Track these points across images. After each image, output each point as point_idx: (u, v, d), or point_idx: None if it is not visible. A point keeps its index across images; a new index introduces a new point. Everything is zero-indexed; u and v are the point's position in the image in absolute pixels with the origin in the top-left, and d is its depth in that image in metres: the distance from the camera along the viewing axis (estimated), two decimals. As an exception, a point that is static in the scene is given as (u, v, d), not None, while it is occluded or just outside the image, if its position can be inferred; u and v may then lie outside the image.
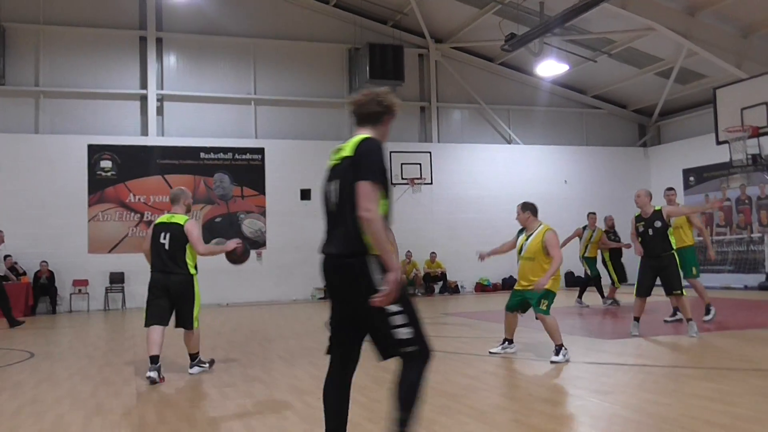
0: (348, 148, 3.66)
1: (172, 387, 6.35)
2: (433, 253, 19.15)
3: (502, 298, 14.38)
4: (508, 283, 20.05)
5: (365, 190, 3.42)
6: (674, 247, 8.68)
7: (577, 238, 13.94)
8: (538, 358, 7.45)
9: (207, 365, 7.20)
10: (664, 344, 8.15)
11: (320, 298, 18.16)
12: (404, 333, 3.51)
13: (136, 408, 5.47)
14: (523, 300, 7.43)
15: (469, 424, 4.64)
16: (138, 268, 16.69)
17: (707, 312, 10.00)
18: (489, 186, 20.42)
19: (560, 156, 21.33)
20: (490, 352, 7.68)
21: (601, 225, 14.06)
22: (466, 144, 20.56)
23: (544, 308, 7.21)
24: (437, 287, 19.32)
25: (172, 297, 6.81)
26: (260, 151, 18.55)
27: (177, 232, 6.82)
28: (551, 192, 20.90)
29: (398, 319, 3.49)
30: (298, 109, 19.38)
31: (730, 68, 16.31)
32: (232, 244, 6.95)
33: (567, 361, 6.98)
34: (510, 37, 16.75)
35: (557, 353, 7.04)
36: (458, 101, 20.88)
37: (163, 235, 6.87)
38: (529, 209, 7.62)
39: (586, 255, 13.76)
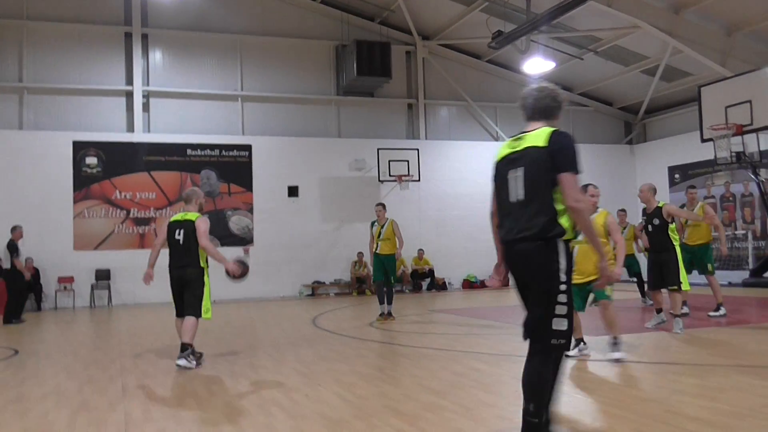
0: (536, 139, 3.75)
1: (158, 384, 6.34)
2: (421, 249, 19.19)
3: (489, 295, 14.52)
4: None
5: (571, 181, 3.60)
6: (677, 244, 8.73)
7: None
8: (524, 356, 7.48)
9: (194, 363, 7.18)
10: (649, 340, 8.22)
11: (307, 295, 18.16)
12: (561, 324, 3.63)
13: (121, 405, 5.45)
14: (586, 295, 7.16)
15: (455, 421, 4.66)
16: (124, 265, 16.66)
17: (717, 309, 10.10)
18: (476, 183, 20.43)
19: (547, 153, 21.39)
20: (566, 356, 7.58)
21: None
22: (454, 141, 20.61)
23: (610, 293, 7.04)
24: (425, 284, 19.36)
25: (184, 288, 7.31)
26: (247, 147, 18.50)
27: (190, 228, 7.28)
28: (538, 189, 21.00)
29: (561, 310, 3.61)
30: (285, 105, 19.33)
31: (714, 66, 16.43)
32: (232, 266, 7.29)
33: (585, 355, 7.08)
34: (497, 35, 16.77)
35: (615, 345, 6.86)
36: (445, 98, 20.92)
37: (177, 231, 7.34)
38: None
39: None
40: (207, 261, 7.37)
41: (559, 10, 14.76)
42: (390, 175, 18.88)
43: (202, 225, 7.27)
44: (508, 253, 3.80)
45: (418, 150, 19.28)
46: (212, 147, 18.19)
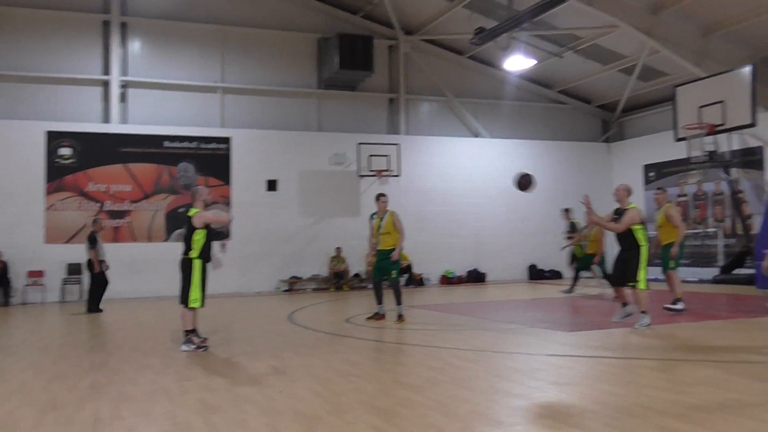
0: None
1: (129, 381, 6.29)
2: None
3: (467, 291, 14.59)
4: (472, 276, 20.25)
5: None
6: (643, 244, 8.85)
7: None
8: (499, 351, 7.55)
9: (195, 347, 7.82)
10: (622, 336, 8.32)
11: (285, 291, 18.11)
12: None
13: (90, 403, 5.39)
14: None
15: (429, 416, 4.70)
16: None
17: (673, 303, 10.31)
18: (456, 179, 20.56)
19: (526, 150, 21.54)
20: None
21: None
22: (434, 136, 20.65)
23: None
24: (403, 279, 19.37)
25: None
26: (226, 140, 18.38)
27: (187, 222, 8.03)
28: (516, 185, 21.12)
29: None
30: (266, 98, 19.23)
31: (690, 67, 16.63)
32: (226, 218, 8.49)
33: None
34: (479, 31, 16.83)
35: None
36: (427, 93, 20.94)
37: (183, 225, 8.20)
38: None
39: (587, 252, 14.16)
40: (200, 253, 7.88)
41: (541, 8, 14.84)
42: (370, 170, 18.87)
43: (198, 220, 7.95)
44: None
45: (398, 145, 19.29)
46: (190, 139, 18.05)
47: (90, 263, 13.35)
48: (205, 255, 7.97)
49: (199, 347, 7.85)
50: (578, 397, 5.21)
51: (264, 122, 19.02)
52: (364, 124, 20.10)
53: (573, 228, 15.16)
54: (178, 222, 17.40)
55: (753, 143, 16.66)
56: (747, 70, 12.57)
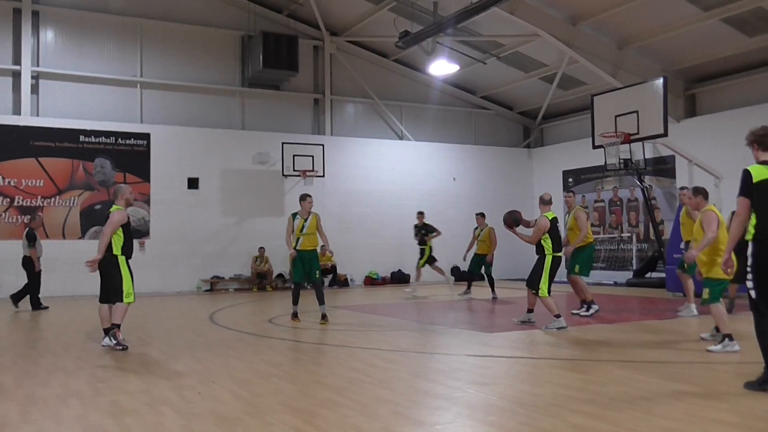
0: None
1: (39, 383, 6.01)
2: (323, 246, 19.08)
3: (391, 292, 14.67)
4: (396, 277, 20.38)
5: None
6: (548, 252, 9.17)
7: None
8: (421, 352, 7.62)
9: (115, 342, 7.74)
10: (541, 337, 8.55)
11: (206, 291, 17.73)
12: None
13: (-1, 405, 5.13)
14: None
15: (351, 417, 4.68)
16: (8, 256, 15.69)
17: (580, 307, 10.68)
18: (380, 180, 20.64)
19: (450, 153, 21.86)
20: (701, 337, 7.91)
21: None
22: (359, 138, 20.68)
23: (706, 297, 7.26)
24: (327, 280, 19.29)
25: (102, 276, 7.95)
26: (146, 136, 17.84)
27: (107, 219, 7.91)
28: (440, 188, 21.42)
29: None
30: (188, 94, 18.79)
31: (606, 77, 17.28)
32: (93, 264, 7.87)
33: (731, 351, 6.93)
34: (404, 35, 16.96)
35: (720, 341, 7.09)
36: (352, 95, 20.95)
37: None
38: (701, 193, 7.98)
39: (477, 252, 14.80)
40: (122, 249, 7.86)
41: (465, 14, 15.08)
42: (294, 170, 18.72)
43: (116, 216, 7.83)
44: None
45: (323, 146, 19.21)
46: (107, 134, 17.43)
47: (28, 260, 13.06)
48: (127, 251, 7.95)
49: (121, 345, 7.79)
50: (497, 396, 5.31)
51: (185, 119, 18.58)
52: (288, 124, 19.93)
53: (426, 230, 15.49)
54: (93, 219, 16.78)
55: (665, 152, 17.43)
56: (659, 82, 13.11)
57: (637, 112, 13.16)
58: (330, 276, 19.20)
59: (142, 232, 17.56)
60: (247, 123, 19.46)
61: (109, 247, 7.82)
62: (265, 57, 18.21)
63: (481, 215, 15.19)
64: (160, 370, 6.59)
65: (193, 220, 18.04)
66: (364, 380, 5.93)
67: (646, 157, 15.48)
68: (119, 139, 17.52)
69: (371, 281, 20.00)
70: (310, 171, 18.84)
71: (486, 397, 5.31)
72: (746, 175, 5.26)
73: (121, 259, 7.88)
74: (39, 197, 16.64)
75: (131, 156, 17.62)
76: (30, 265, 13.09)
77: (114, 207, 8.03)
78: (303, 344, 8.40)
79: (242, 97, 19.48)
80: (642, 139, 13.39)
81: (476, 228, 15.13)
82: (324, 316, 10.21)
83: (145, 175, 17.75)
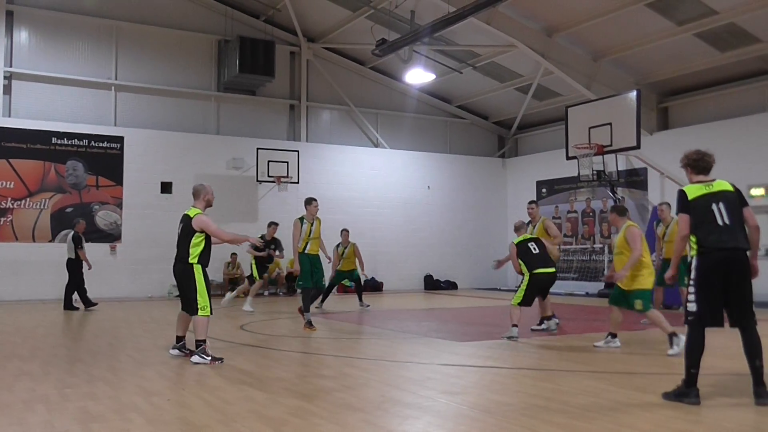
0: (725, 185, 5.46)
1: (3, 387, 5.89)
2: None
3: (364, 300, 14.59)
4: (369, 285, 20.34)
5: (751, 211, 5.47)
6: (525, 272, 9.43)
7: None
8: (393, 361, 7.62)
9: (209, 359, 7.08)
10: (512, 347, 8.58)
11: (177, 296, 17.52)
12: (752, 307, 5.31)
13: (-39, 412, 5.01)
14: (621, 295, 8.02)
15: (320, 425, 4.66)
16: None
17: (539, 323, 10.56)
18: (355, 188, 20.63)
19: (424, 162, 21.93)
20: (594, 345, 8.23)
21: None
22: (334, 145, 20.66)
23: (639, 308, 7.85)
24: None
25: (178, 284, 7.43)
26: (119, 139, 17.64)
27: (186, 223, 7.26)
28: (414, 196, 21.47)
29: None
30: (162, 98, 18.64)
31: (581, 89, 17.50)
32: (251, 240, 7.90)
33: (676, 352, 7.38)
34: (381, 43, 17.01)
35: (671, 345, 7.61)
36: (328, 102, 20.94)
37: (179, 226, 7.39)
38: (615, 211, 8.38)
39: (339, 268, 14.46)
40: (200, 258, 7.22)
41: (441, 23, 15.18)
42: (269, 176, 18.65)
43: (207, 222, 7.22)
44: (729, 257, 5.25)
45: (298, 152, 19.16)
46: (80, 137, 17.21)
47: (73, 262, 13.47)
48: (204, 260, 7.27)
49: (214, 359, 7.11)
50: (467, 406, 5.32)
51: (160, 122, 18.42)
52: (263, 129, 19.85)
53: (267, 244, 13.80)
54: (64, 222, 16.54)
55: (637, 164, 17.68)
56: (632, 95, 13.32)
57: (610, 124, 13.35)
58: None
59: (114, 236, 17.35)
60: (222, 128, 19.35)
61: (186, 253, 7.15)
62: (241, 62, 18.14)
63: (346, 231, 14.79)
64: (129, 376, 6.49)
65: (165, 224, 17.75)
66: (334, 388, 5.91)
67: (619, 169, 15.70)
68: (92, 142, 17.30)
69: (344, 288, 19.92)
70: (284, 177, 18.78)
71: (457, 406, 5.31)
72: (681, 193, 5.51)
73: (197, 268, 7.18)
74: (9, 199, 16.37)
75: (104, 159, 17.42)
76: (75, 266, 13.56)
77: (193, 210, 7.31)
78: (274, 351, 8.34)
79: (218, 102, 19.37)
80: (615, 151, 13.59)
81: (339, 245, 14.61)
82: (310, 323, 10.05)
83: (117, 178, 17.55)
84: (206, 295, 7.22)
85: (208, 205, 7.52)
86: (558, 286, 14.04)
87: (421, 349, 8.54)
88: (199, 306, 7.14)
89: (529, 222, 10.61)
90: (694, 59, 16.51)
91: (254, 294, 13.62)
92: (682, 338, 7.06)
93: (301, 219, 10.41)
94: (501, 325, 10.40)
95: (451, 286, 21.62)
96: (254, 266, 13.78)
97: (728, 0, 14.17)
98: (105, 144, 17.46)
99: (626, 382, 6.21)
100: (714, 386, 5.75)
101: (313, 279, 10.25)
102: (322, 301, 14.14)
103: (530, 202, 10.86)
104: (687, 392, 5.25)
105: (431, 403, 5.43)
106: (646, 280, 7.82)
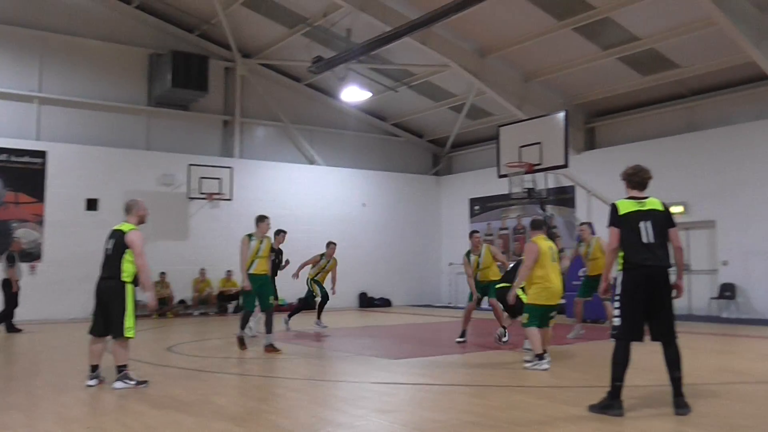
0: (656, 204, 5.62)
1: None
2: (230, 270, 18.70)
3: (298, 318, 14.39)
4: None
5: (677, 232, 5.67)
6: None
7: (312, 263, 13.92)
8: (325, 380, 7.52)
9: (134, 383, 6.80)
10: (444, 364, 8.61)
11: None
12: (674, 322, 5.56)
13: None
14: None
15: (248, 449, 4.53)
16: None
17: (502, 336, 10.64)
18: (290, 205, 20.42)
19: (360, 179, 21.95)
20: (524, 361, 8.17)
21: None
22: (269, 161, 20.44)
23: (525, 320, 8.00)
24: (231, 306, 18.87)
25: (101, 303, 6.94)
26: (41, 154, 16.97)
27: (119, 239, 6.94)
28: (350, 214, 21.42)
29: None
30: (90, 112, 18.05)
31: (512, 109, 17.88)
32: (153, 302, 7.20)
33: (543, 369, 7.71)
34: (317, 60, 17.00)
35: (533, 360, 7.86)
36: (263, 118, 20.74)
37: (108, 241, 7.06)
38: (530, 224, 8.59)
39: (316, 278, 13.67)
40: (134, 276, 6.96)
41: (377, 42, 15.29)
42: (200, 193, 18.28)
43: (139, 240, 6.93)
44: (653, 274, 5.45)
45: (231, 168, 18.88)
46: None
47: (7, 282, 13.17)
48: (137, 279, 7.00)
49: (139, 383, 6.85)
50: (399, 424, 5.28)
51: (86, 137, 17.82)
52: (196, 145, 19.47)
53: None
54: (-20, 241, 15.75)
55: (566, 183, 18.14)
56: (561, 115, 13.64)
57: (540, 143, 13.61)
58: (235, 302, 18.78)
59: (34, 255, 16.62)
60: (153, 143, 18.89)
61: (118, 271, 6.85)
62: (174, 76, 17.76)
63: (334, 244, 14.18)
64: (47, 403, 6.19)
65: (90, 242, 17.11)
66: (265, 410, 5.78)
67: (548, 186, 16.03)
68: (12, 156, 16.58)
69: (278, 307, 19.60)
70: (217, 194, 18.46)
71: (389, 425, 5.27)
72: (613, 208, 5.69)
73: (129, 288, 6.91)
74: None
75: (25, 174, 16.70)
76: (8, 286, 13.22)
77: (126, 225, 7.05)
78: (203, 373, 8.12)
79: (148, 117, 18.92)
80: (544, 170, 13.85)
81: (323, 255, 14.00)
82: (272, 346, 9.64)
83: (39, 194, 16.85)
84: (134, 316, 6.93)
85: (141, 221, 7.27)
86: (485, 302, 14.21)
87: (354, 367, 8.47)
88: (125, 327, 6.81)
89: (470, 252, 10.78)
90: (618, 82, 17.13)
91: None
92: (545, 361, 7.68)
93: (250, 236, 10.16)
94: (434, 341, 10.44)
95: (385, 303, 21.61)
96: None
97: (649, 27, 14.77)
98: (26, 159, 16.74)
99: (555, 396, 6.30)
100: (638, 398, 5.89)
101: (260, 300, 9.92)
102: (319, 316, 13.58)
103: (475, 232, 11.13)
104: (611, 404, 5.38)
105: (363, 422, 5.38)
106: (536, 295, 7.91)
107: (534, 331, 7.89)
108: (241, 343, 9.86)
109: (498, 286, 9.85)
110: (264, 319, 9.93)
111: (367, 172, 22.17)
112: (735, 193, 15.32)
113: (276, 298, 12.24)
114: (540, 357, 7.80)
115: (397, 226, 22.19)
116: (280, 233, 12.93)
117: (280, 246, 12.88)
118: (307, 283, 13.68)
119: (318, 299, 13.51)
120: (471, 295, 10.72)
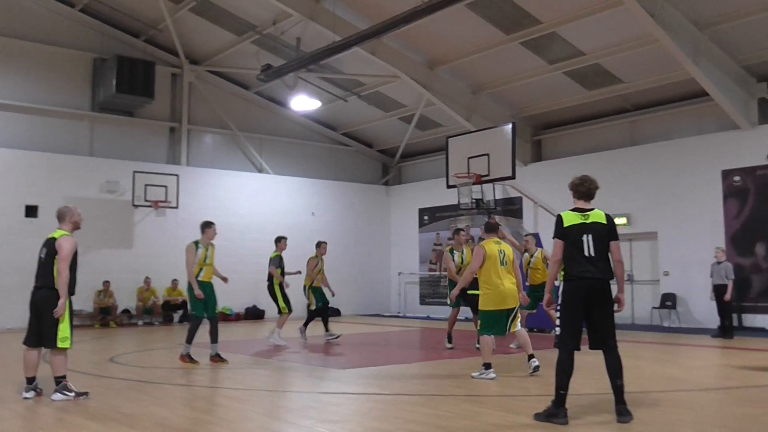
0: (600, 217, 5.70)
1: None
2: (175, 280, 18.35)
3: (245, 328, 14.26)
4: (251, 313, 19.91)
5: (618, 246, 5.74)
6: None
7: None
8: (273, 390, 7.44)
9: (73, 394, 6.60)
10: (393, 373, 8.61)
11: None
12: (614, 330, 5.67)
13: None
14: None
15: (192, 462, 4.44)
16: None
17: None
18: (238, 213, 20.19)
19: (309, 188, 21.85)
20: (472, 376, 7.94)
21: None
22: (217, 169, 20.18)
23: (478, 328, 8.08)
24: (177, 316, 18.51)
25: (36, 313, 6.72)
26: (-22, 159, 16.39)
27: (51, 247, 6.75)
28: (299, 223, 21.28)
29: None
30: (30, 116, 17.50)
31: (461, 120, 18.10)
32: (62, 308, 6.69)
33: (490, 378, 7.71)
34: (266, 68, 16.90)
35: (480, 371, 7.83)
36: (211, 125, 20.47)
37: (41, 250, 6.89)
38: (484, 226, 8.57)
39: (313, 284, 13.41)
40: (69, 285, 6.72)
41: (327, 52, 15.29)
42: (146, 200, 17.91)
43: (66, 244, 6.71)
44: (591, 286, 5.56)
45: (178, 176, 18.55)
46: (-67, 155, 15.86)
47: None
48: (72, 288, 6.78)
49: (79, 394, 6.64)
50: (347, 434, 5.25)
51: (27, 142, 17.28)
52: (141, 152, 19.09)
53: None
54: None
55: (513, 194, 18.41)
56: (508, 127, 13.84)
57: (488, 154, 13.79)
58: (181, 312, 18.44)
59: (-30, 263, 16.00)
60: (96, 149, 18.43)
61: (51, 279, 6.63)
62: (118, 81, 17.39)
63: (325, 243, 14.10)
64: (-20, 416, 5.95)
65: (29, 250, 16.42)
66: (209, 421, 5.68)
67: (496, 197, 16.23)
68: (-53, 161, 15.98)
69: (224, 317, 19.36)
70: (162, 202, 18.11)
71: (336, 435, 5.23)
72: (559, 219, 5.79)
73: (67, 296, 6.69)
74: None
75: (-39, 179, 16.11)
76: None
77: (59, 232, 6.84)
78: (147, 385, 7.93)
79: (92, 122, 18.47)
80: (492, 181, 14.03)
81: (316, 256, 13.87)
82: (219, 356, 9.53)
83: (-24, 200, 16.26)
84: (70, 325, 6.73)
85: (76, 227, 7.04)
86: (438, 312, 14.31)
87: (302, 377, 8.40)
88: (60, 337, 6.60)
89: (453, 249, 11.04)
90: (564, 96, 17.52)
91: (282, 326, 12.57)
92: (491, 372, 7.69)
93: (196, 243, 9.97)
94: (384, 351, 10.43)
95: (334, 312, 21.48)
96: (281, 297, 12.48)
97: (594, 42, 15.17)
98: (-38, 164, 16.17)
99: (502, 405, 6.37)
100: (581, 406, 5.99)
101: (206, 309, 9.72)
102: (326, 325, 13.29)
103: (460, 230, 11.46)
104: (556, 412, 5.46)
105: (310, 433, 5.33)
106: (485, 301, 7.90)
107: (486, 339, 7.88)
108: (191, 359, 9.50)
109: (469, 292, 9.81)
110: (209, 328, 9.69)
111: (317, 182, 22.10)
112: (676, 205, 15.82)
113: (289, 307, 12.29)
114: (487, 367, 7.80)
115: (346, 236, 22.14)
116: (281, 240, 12.94)
117: (283, 252, 12.80)
118: (305, 293, 13.31)
119: (314, 308, 13.23)
120: (452, 301, 10.78)
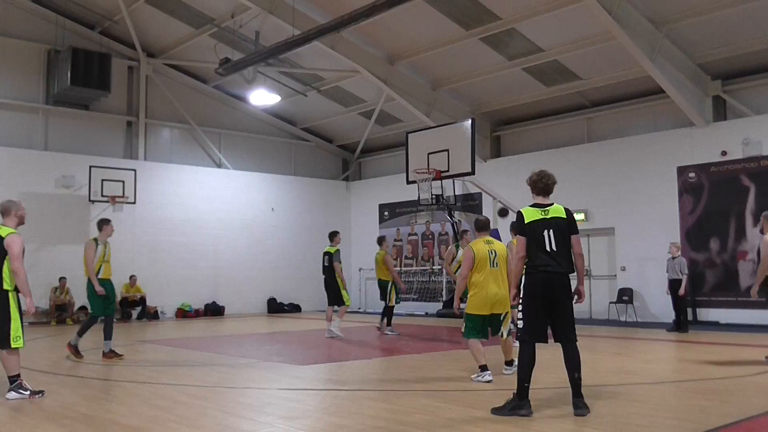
0: (559, 212, 5.80)
1: None
2: (133, 276, 18.09)
3: (205, 324, 14.15)
4: (210, 309, 19.73)
5: (579, 239, 5.85)
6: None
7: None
8: (231, 387, 7.40)
9: (28, 393, 6.51)
10: (352, 369, 8.64)
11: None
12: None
13: None
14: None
15: (150, 460, 4.40)
16: None
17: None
18: (196, 209, 19.98)
19: (269, 183, 21.72)
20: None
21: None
22: (175, 164, 19.92)
23: (463, 330, 7.60)
24: (135, 312, 18.25)
25: None
26: (-74, 153, 15.90)
27: None
28: (258, 218, 21.17)
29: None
30: (-20, 109, 17.06)
31: (421, 116, 18.18)
32: (31, 305, 6.72)
33: (486, 381, 7.24)
34: (224, 62, 16.72)
35: (478, 374, 7.36)
36: (168, 119, 20.19)
37: None
38: (474, 225, 7.99)
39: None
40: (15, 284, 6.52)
41: (286, 46, 15.19)
42: (102, 195, 17.59)
43: (16, 244, 6.45)
44: (552, 279, 5.65)
45: (135, 171, 18.26)
46: None
47: None
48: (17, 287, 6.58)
49: (34, 393, 6.54)
50: (305, 430, 5.26)
51: (-23, 136, 16.83)
52: (97, 146, 18.73)
53: None
54: None
55: (473, 189, 18.58)
56: (468, 123, 13.94)
57: (448, 150, 13.87)
58: (139, 308, 18.19)
59: None
60: (51, 143, 18.03)
61: (0, 279, 6.40)
62: (73, 74, 17.01)
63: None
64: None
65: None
66: (168, 419, 5.63)
67: (456, 193, 16.34)
68: None
69: (184, 314, 19.18)
70: (119, 197, 17.81)
71: (295, 431, 5.24)
72: (519, 216, 5.88)
73: (13, 296, 6.48)
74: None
75: None
76: None
77: (4, 229, 6.55)
78: (103, 382, 7.82)
79: (46, 116, 18.06)
80: (452, 176, 14.12)
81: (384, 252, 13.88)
82: (113, 352, 9.52)
83: (-77, 195, 15.76)
84: (20, 324, 6.56)
85: (21, 222, 6.81)
86: (399, 307, 14.37)
87: (261, 374, 8.37)
88: (12, 337, 6.45)
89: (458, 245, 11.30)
90: (523, 92, 17.73)
91: (342, 316, 12.81)
92: (487, 374, 7.30)
93: (96, 240, 9.71)
94: (343, 346, 10.45)
95: (294, 309, 21.45)
96: (344, 289, 12.71)
97: (553, 39, 15.38)
98: None
99: (460, 400, 6.44)
100: (539, 399, 6.10)
101: (106, 306, 9.57)
102: (389, 323, 13.32)
103: (465, 232, 11.64)
104: (520, 405, 5.55)
105: (270, 429, 5.33)
106: (471, 304, 7.39)
107: (472, 343, 7.43)
108: (77, 351, 9.53)
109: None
110: (104, 326, 9.57)
111: (276, 177, 21.98)
112: (632, 201, 16.15)
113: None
114: (483, 369, 7.33)
115: (306, 231, 22.07)
116: (336, 234, 13.21)
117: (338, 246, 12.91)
118: (387, 289, 13.44)
119: (392, 305, 13.47)
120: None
